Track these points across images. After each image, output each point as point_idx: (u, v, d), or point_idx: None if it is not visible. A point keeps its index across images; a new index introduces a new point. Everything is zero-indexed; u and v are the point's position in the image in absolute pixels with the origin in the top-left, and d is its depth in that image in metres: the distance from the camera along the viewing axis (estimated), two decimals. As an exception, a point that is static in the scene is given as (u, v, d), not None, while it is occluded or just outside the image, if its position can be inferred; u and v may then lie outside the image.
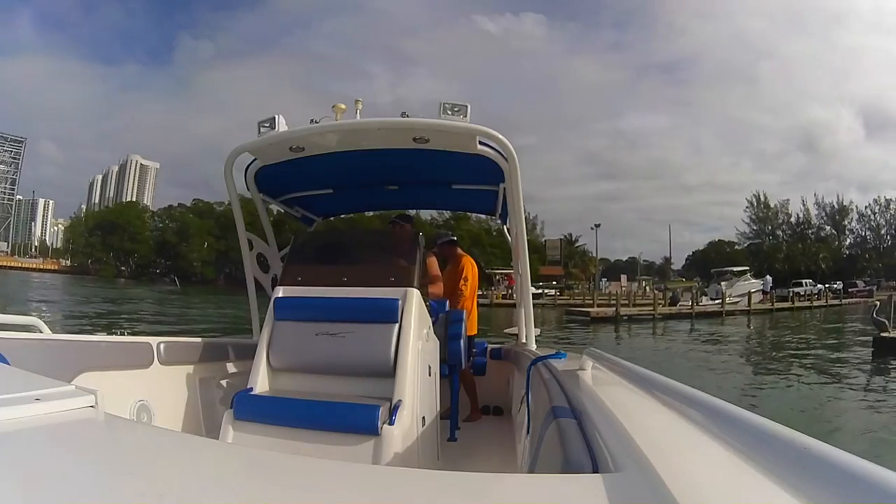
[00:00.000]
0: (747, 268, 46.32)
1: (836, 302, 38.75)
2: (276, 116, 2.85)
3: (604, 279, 61.49)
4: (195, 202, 76.46)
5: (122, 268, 74.65)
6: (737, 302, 32.21)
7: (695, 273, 66.98)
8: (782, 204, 72.70)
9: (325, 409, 2.27)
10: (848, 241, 71.39)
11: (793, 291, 38.71)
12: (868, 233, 70.83)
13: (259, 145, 2.96)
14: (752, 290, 34.68)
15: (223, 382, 3.11)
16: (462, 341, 3.58)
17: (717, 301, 31.45)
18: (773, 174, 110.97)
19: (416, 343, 2.47)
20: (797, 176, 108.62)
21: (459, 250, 4.53)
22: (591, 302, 34.27)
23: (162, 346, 2.75)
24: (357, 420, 2.18)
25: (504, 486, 0.80)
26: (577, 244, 67.90)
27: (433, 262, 3.74)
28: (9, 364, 1.80)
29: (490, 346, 4.34)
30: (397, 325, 2.47)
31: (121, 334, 2.88)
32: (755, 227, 72.81)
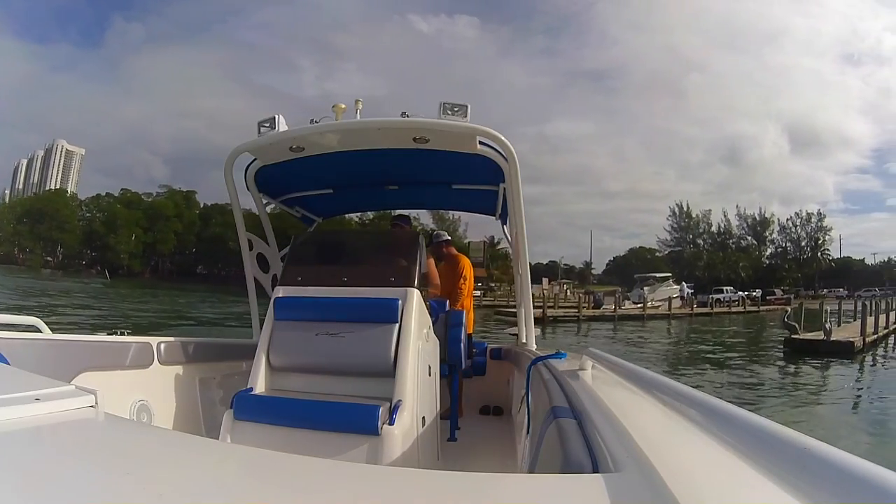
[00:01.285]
0: (669, 273, 47.99)
1: (754, 308, 41.39)
2: (276, 116, 2.85)
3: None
4: (123, 192, 75.35)
5: (49, 258, 72.49)
6: (658, 306, 34.28)
7: (615, 278, 68.31)
8: (704, 214, 75.86)
9: (325, 410, 2.27)
10: (769, 251, 75.97)
11: (713, 297, 41.03)
12: (789, 244, 74.98)
13: (259, 145, 2.96)
14: (673, 296, 36.96)
15: (223, 382, 3.11)
16: (462, 341, 3.58)
17: (639, 305, 33.18)
18: (695, 184, 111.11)
19: (417, 343, 2.47)
20: (720, 187, 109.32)
21: (454, 250, 4.52)
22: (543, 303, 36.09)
23: (162, 346, 2.75)
24: (357, 420, 2.17)
25: (504, 486, 0.80)
26: (498, 247, 70.43)
27: (431, 263, 3.73)
28: (9, 364, 1.80)
29: (490, 346, 4.34)
30: (397, 325, 2.46)
31: (121, 334, 2.88)
32: (676, 235, 75.88)
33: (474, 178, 3.53)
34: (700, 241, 74.65)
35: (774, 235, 75.20)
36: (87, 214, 74.53)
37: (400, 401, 2.27)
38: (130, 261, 69.03)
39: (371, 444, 2.12)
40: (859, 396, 10.72)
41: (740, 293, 44.89)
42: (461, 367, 3.60)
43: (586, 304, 32.18)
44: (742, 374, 13.28)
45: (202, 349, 3.10)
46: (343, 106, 2.79)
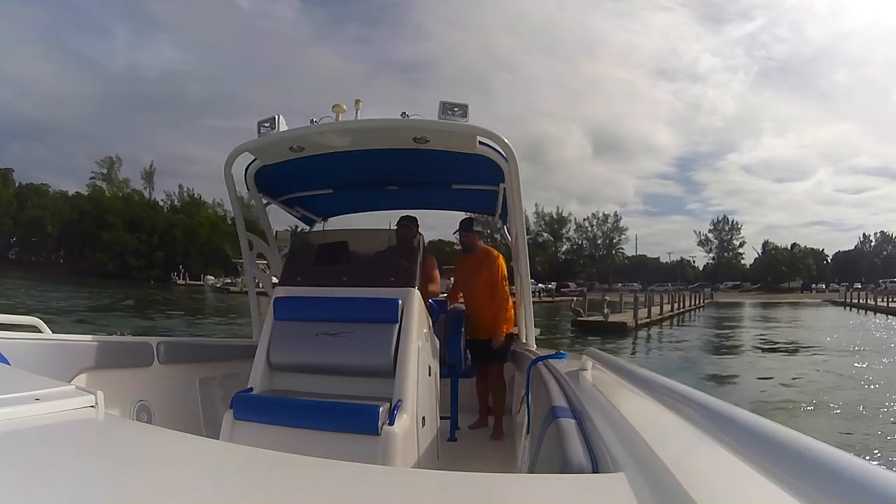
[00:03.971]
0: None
1: (549, 299, 46.21)
2: (277, 116, 2.85)
3: None
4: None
5: None
6: (449, 297, 38.77)
7: None
8: (501, 208, 79.84)
9: (325, 410, 2.27)
10: (565, 247, 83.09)
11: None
12: (585, 242, 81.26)
13: (259, 145, 2.96)
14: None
15: (223, 382, 3.11)
16: (463, 341, 3.58)
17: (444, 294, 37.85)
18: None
19: (417, 343, 2.47)
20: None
21: (482, 242, 3.98)
22: None
23: (162, 345, 2.75)
24: (357, 420, 2.17)
25: (504, 486, 0.80)
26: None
27: (432, 263, 3.71)
28: (9, 364, 1.80)
29: None
30: (397, 325, 2.46)
31: (121, 335, 2.88)
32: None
33: (474, 178, 3.53)
34: (497, 236, 78.14)
35: (571, 233, 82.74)
36: None
37: (400, 401, 2.27)
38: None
39: (371, 444, 2.12)
40: (632, 355, 15.84)
41: (539, 285, 49.14)
42: (461, 367, 3.60)
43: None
44: (544, 343, 14.88)
45: (202, 349, 3.10)
46: (343, 106, 2.80)
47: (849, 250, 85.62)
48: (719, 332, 23.72)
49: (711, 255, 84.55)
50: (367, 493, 0.69)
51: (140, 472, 0.71)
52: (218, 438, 2.26)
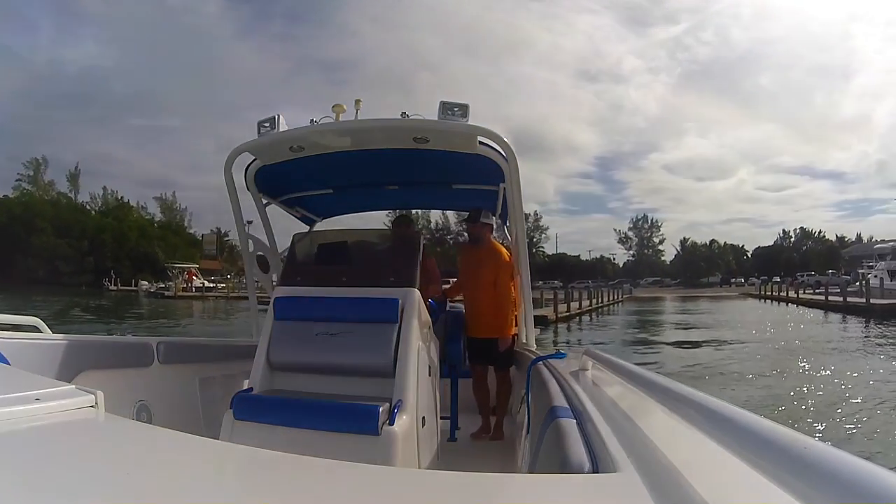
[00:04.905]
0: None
1: None
2: (277, 116, 2.85)
3: None
4: None
5: None
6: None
7: None
8: (423, 210, 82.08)
9: (325, 409, 2.27)
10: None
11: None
12: (505, 241, 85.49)
13: (259, 145, 2.96)
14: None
15: (223, 382, 3.11)
16: (463, 341, 3.57)
17: None
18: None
19: (417, 343, 2.47)
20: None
21: (492, 237, 3.78)
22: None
23: (162, 345, 2.75)
24: (357, 420, 2.17)
25: (504, 486, 0.80)
26: (227, 238, 72.66)
27: (432, 263, 3.70)
28: (9, 364, 1.80)
29: None
30: (397, 325, 2.46)
31: (121, 335, 2.88)
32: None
33: (474, 178, 3.53)
34: (496, 236, 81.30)
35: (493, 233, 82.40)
36: None
37: (400, 401, 2.27)
38: None
39: (371, 444, 2.12)
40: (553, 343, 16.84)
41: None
42: (461, 367, 3.59)
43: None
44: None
45: (202, 349, 3.10)
46: (343, 106, 2.80)
47: (769, 246, 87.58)
48: (633, 317, 27.71)
49: (632, 252, 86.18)
50: (367, 493, 0.69)
51: (140, 472, 0.71)
52: (218, 438, 2.26)
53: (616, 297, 43.87)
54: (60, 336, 2.41)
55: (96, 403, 0.94)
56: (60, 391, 0.94)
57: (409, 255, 2.83)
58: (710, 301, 44.53)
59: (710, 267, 79.18)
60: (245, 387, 2.51)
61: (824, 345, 15.70)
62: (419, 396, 2.40)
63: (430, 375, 2.64)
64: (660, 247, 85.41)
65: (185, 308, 33.80)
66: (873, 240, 56.28)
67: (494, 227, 3.80)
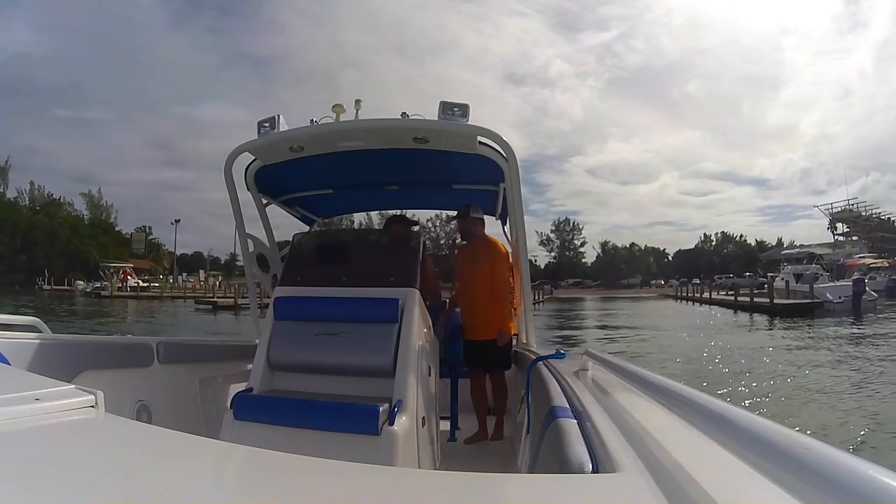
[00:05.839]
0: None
1: None
2: (277, 116, 2.85)
3: (184, 273, 66.79)
4: None
5: None
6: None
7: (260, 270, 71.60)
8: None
9: (325, 409, 2.27)
10: None
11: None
12: (428, 242, 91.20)
13: (259, 145, 2.96)
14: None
15: (223, 382, 3.11)
16: (463, 341, 3.57)
17: None
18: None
19: (417, 343, 2.47)
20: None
21: (484, 231, 3.66)
22: (212, 294, 42.17)
23: (162, 345, 2.75)
24: (357, 420, 2.17)
25: (504, 486, 0.80)
26: (151, 236, 70.98)
27: (430, 265, 3.69)
28: (9, 364, 1.80)
29: None
30: (397, 325, 2.47)
31: (121, 335, 2.89)
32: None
33: (474, 178, 3.53)
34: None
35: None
36: None
37: (400, 401, 2.27)
38: None
39: (371, 444, 2.12)
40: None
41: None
42: (461, 367, 3.59)
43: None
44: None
45: (202, 349, 3.10)
46: (343, 106, 2.80)
47: (690, 249, 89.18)
48: (553, 316, 28.75)
49: (553, 254, 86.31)
50: (367, 493, 0.69)
51: (140, 472, 0.71)
52: (218, 438, 2.26)
53: (537, 297, 43.73)
54: (60, 336, 2.41)
55: (96, 403, 0.94)
56: (60, 391, 0.94)
57: (410, 254, 2.83)
58: (628, 301, 46.48)
59: (631, 269, 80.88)
60: (245, 387, 2.51)
61: (732, 336, 18.12)
62: (419, 396, 2.40)
63: (430, 375, 2.64)
64: (581, 249, 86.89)
65: (124, 308, 33.79)
66: (794, 244, 58.76)
67: (498, 220, 3.72)
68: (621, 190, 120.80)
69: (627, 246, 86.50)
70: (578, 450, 0.92)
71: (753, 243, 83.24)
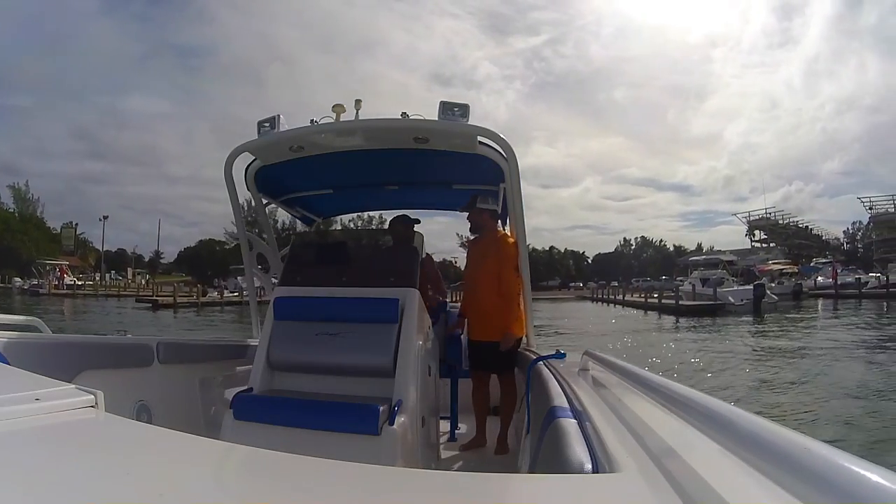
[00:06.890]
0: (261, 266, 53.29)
1: None
2: (277, 116, 2.85)
3: (112, 271, 65.77)
4: None
5: None
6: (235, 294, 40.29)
7: (186, 268, 66.63)
8: (272, 210, 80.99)
9: (325, 410, 2.27)
10: None
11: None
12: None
13: (259, 145, 2.96)
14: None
15: (223, 382, 3.11)
16: (464, 341, 3.56)
17: (234, 293, 39.32)
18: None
19: (417, 343, 2.47)
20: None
21: (495, 224, 3.49)
22: (151, 292, 42.97)
23: (162, 346, 2.75)
24: (357, 420, 2.17)
25: (504, 486, 0.80)
26: (81, 233, 68.82)
27: (432, 264, 3.69)
28: (8, 364, 1.80)
29: None
30: (397, 325, 2.47)
31: (122, 335, 2.89)
32: (255, 230, 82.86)
33: (474, 178, 3.53)
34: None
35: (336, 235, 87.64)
36: None
37: (400, 401, 2.27)
38: None
39: (371, 444, 2.12)
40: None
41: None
42: (461, 367, 3.59)
43: (194, 294, 38.46)
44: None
45: (202, 349, 3.10)
46: (344, 106, 2.80)
47: (609, 252, 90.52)
48: None
49: None
50: (367, 493, 0.69)
51: (140, 472, 0.71)
52: (218, 438, 2.26)
53: (457, 298, 43.78)
54: (60, 336, 2.42)
55: (96, 403, 0.94)
56: (60, 391, 0.94)
57: (410, 254, 2.83)
58: (546, 302, 47.30)
59: (550, 271, 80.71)
60: (245, 387, 2.51)
61: (643, 330, 21.00)
62: (419, 396, 2.40)
63: (430, 375, 2.64)
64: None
65: (63, 306, 33.91)
66: (713, 249, 61.62)
67: (499, 210, 3.49)
68: (543, 193, 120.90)
69: (547, 249, 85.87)
70: (578, 450, 0.92)
71: (672, 248, 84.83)
